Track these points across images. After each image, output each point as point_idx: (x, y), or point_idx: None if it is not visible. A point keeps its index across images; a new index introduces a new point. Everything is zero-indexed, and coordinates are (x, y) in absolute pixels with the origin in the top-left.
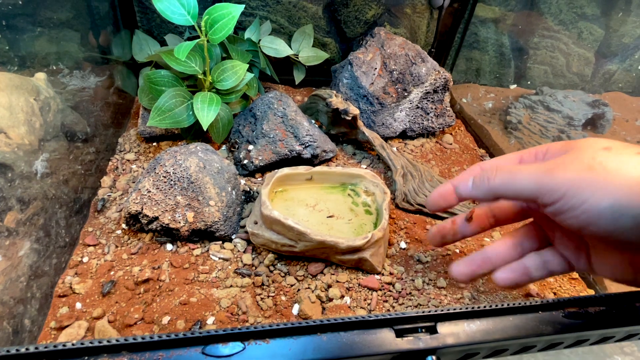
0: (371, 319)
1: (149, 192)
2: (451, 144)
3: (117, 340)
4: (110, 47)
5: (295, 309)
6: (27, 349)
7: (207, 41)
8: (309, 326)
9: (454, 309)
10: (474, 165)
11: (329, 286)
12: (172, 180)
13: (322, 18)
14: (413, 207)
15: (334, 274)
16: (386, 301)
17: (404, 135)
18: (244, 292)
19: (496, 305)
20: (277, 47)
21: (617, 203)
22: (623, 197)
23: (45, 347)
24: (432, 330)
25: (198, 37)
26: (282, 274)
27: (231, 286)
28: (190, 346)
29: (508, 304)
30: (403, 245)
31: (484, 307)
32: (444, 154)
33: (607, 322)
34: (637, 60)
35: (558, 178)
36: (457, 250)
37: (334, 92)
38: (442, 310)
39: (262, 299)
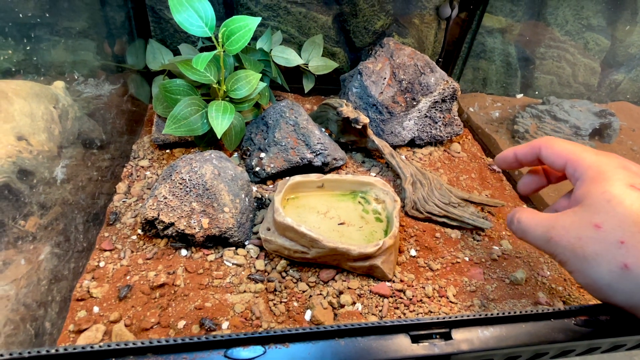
0: (387, 324)
1: (166, 198)
2: (459, 152)
3: (142, 343)
4: (125, 56)
5: (307, 315)
6: (56, 350)
7: (224, 52)
8: (327, 331)
9: (468, 316)
10: (537, 141)
11: (341, 292)
12: (187, 187)
13: (332, 28)
14: (422, 215)
15: (345, 281)
16: (397, 308)
17: (412, 144)
18: (257, 297)
19: (509, 313)
20: (287, 57)
21: (590, 291)
22: (593, 289)
23: (74, 349)
24: (447, 337)
25: (212, 47)
26: (295, 280)
27: (245, 291)
28: (213, 349)
29: (521, 312)
30: (413, 252)
31: (497, 314)
32: (452, 162)
33: (617, 330)
34: None
35: (553, 249)
36: (467, 259)
37: (344, 101)
38: (456, 317)
39: (274, 304)
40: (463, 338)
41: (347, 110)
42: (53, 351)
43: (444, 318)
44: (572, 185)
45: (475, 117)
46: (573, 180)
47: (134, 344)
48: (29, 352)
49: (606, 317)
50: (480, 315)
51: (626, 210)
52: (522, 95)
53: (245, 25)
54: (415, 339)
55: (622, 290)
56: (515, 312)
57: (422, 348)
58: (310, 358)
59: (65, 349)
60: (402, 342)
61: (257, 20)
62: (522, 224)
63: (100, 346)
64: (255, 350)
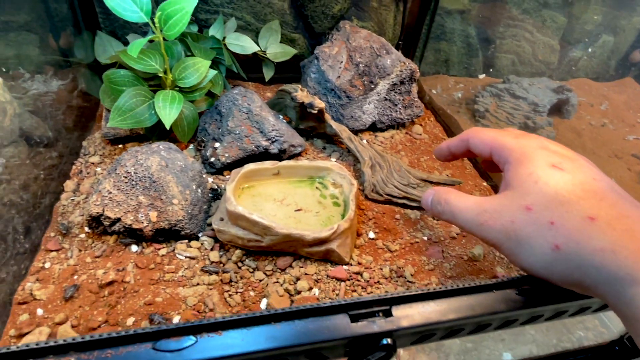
0: (325, 305)
1: (110, 193)
2: (420, 134)
3: (64, 341)
4: (73, 50)
5: (263, 304)
6: None
7: (163, 38)
8: (262, 316)
9: (409, 292)
10: (465, 132)
11: (298, 279)
12: (133, 180)
13: (289, 14)
14: (382, 197)
15: (302, 267)
16: (355, 291)
17: (374, 128)
18: (211, 289)
19: (451, 287)
20: (243, 44)
21: (527, 272)
22: (530, 270)
23: None
24: (388, 314)
25: None
26: (251, 270)
27: (198, 284)
28: (140, 342)
29: (462, 285)
30: (372, 235)
31: (439, 288)
32: (414, 144)
33: (559, 297)
34: (599, 46)
35: (485, 234)
36: (425, 238)
37: (299, 86)
38: (397, 294)
39: (230, 295)
40: (403, 314)
41: (302, 95)
42: None
43: (384, 296)
44: (502, 170)
45: (437, 99)
46: (501, 165)
47: (54, 342)
48: None
49: (548, 286)
50: (421, 291)
51: (552, 190)
52: (484, 75)
53: (181, 8)
54: (354, 318)
55: (556, 271)
56: (456, 286)
57: (361, 327)
58: (244, 344)
59: None
60: (341, 322)
61: (194, 2)
62: (452, 206)
63: (17, 347)
64: (186, 340)
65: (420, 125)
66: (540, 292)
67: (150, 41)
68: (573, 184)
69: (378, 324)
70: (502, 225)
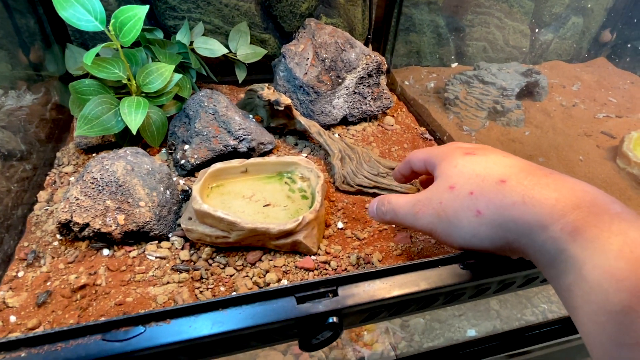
0: (272, 289)
1: (77, 199)
2: (392, 125)
3: (15, 338)
4: (44, 64)
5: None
6: None
7: (121, 45)
8: (209, 303)
9: (355, 272)
10: (407, 156)
11: (267, 272)
12: (99, 185)
13: (257, 15)
14: (353, 188)
15: (271, 260)
16: None
17: (345, 122)
18: (181, 287)
19: (397, 265)
20: (211, 47)
21: (463, 246)
22: (464, 243)
23: None
24: (335, 294)
25: (136, 44)
26: (221, 266)
27: (168, 282)
28: (90, 334)
29: (407, 263)
30: (340, 225)
31: (384, 268)
32: (385, 135)
33: (504, 268)
34: (570, 28)
35: (421, 222)
36: (394, 225)
37: (266, 85)
38: (343, 275)
39: (201, 291)
40: (349, 293)
41: (268, 93)
42: None
43: (331, 277)
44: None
45: (409, 90)
46: (432, 172)
47: (5, 339)
48: None
49: (492, 259)
50: (366, 270)
51: (469, 169)
52: (457, 64)
53: (134, 14)
54: (301, 300)
55: (484, 235)
56: (401, 264)
57: (306, 307)
58: (192, 330)
59: None
60: (287, 304)
61: (146, 8)
62: (393, 204)
63: None
64: (135, 330)
65: (392, 116)
66: (484, 265)
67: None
68: (485, 161)
69: (324, 304)
70: (433, 209)
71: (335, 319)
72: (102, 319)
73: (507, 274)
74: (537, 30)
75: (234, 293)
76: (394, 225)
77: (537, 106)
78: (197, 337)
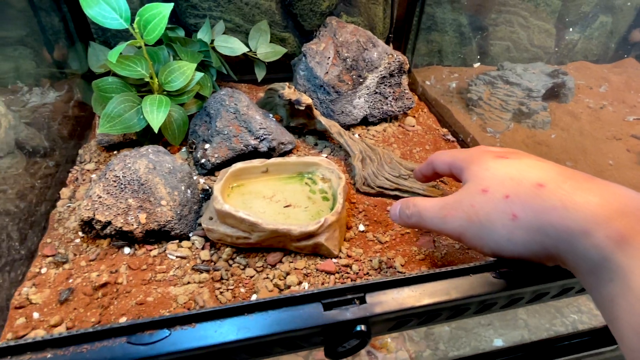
0: (298, 295)
1: (100, 197)
2: (414, 126)
3: (41, 338)
4: (67, 61)
5: (253, 299)
6: None
7: (145, 43)
8: (234, 307)
9: (383, 279)
10: (429, 157)
11: (287, 274)
12: (122, 183)
13: (277, 13)
14: (374, 190)
15: (292, 262)
16: (344, 283)
17: (365, 122)
18: (201, 287)
19: (426, 272)
20: (231, 46)
21: (495, 252)
22: (496, 248)
23: None
24: (362, 301)
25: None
26: (242, 267)
27: (189, 283)
28: (115, 337)
29: (438, 271)
30: (362, 227)
31: (414, 274)
32: (406, 136)
33: (538, 278)
34: (597, 28)
35: (450, 226)
36: (417, 230)
37: (287, 84)
38: (371, 282)
39: (221, 292)
40: (377, 301)
41: (289, 92)
42: None
43: (358, 283)
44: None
45: (431, 90)
46: (458, 176)
47: (32, 339)
48: None
49: (526, 268)
50: (396, 277)
51: (502, 172)
52: (479, 64)
53: (159, 12)
54: (328, 307)
55: (519, 240)
56: (432, 271)
57: (333, 314)
58: (217, 335)
59: None
60: (314, 311)
61: (170, 6)
62: (418, 207)
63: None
64: (160, 333)
65: (414, 117)
66: (518, 274)
67: (139, 48)
68: (519, 164)
69: (351, 312)
70: (463, 212)
71: (363, 327)
72: (125, 320)
73: (542, 284)
74: (563, 29)
75: (255, 296)
76: (417, 230)
77: (563, 108)
78: (223, 342)
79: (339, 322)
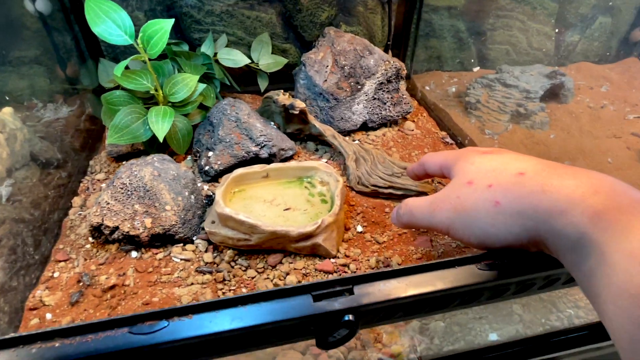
0: (289, 287)
1: (108, 203)
2: (413, 130)
3: (50, 329)
4: (79, 78)
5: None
6: None
7: (149, 58)
8: (229, 299)
9: (370, 272)
10: (421, 158)
11: (287, 274)
12: (128, 190)
13: (278, 25)
14: (368, 188)
15: (292, 263)
16: None
17: (365, 127)
18: (204, 288)
19: (412, 265)
20: (234, 58)
21: (481, 240)
22: (482, 235)
23: None
24: (350, 293)
25: (161, 56)
26: (243, 268)
27: (192, 284)
28: (117, 327)
29: (424, 264)
30: (360, 228)
31: (399, 268)
32: (405, 140)
33: (523, 269)
34: (597, 28)
35: (438, 219)
36: (413, 229)
37: (281, 91)
38: (359, 274)
39: (223, 293)
40: (365, 292)
41: (283, 98)
42: None
43: (346, 276)
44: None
45: (430, 95)
46: (448, 175)
47: (42, 330)
48: None
49: (511, 259)
50: (383, 270)
51: (487, 165)
52: (478, 68)
53: (160, 28)
54: (318, 298)
55: (502, 225)
56: (417, 265)
57: (323, 305)
58: (212, 325)
59: None
60: (304, 302)
61: (171, 21)
62: (409, 206)
63: (9, 336)
64: (159, 324)
65: (413, 121)
66: (503, 266)
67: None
68: (502, 157)
69: (340, 302)
70: (450, 205)
71: (351, 317)
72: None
73: (526, 275)
74: (562, 31)
75: (254, 290)
76: (414, 230)
77: (563, 108)
78: (218, 331)
79: (327, 312)
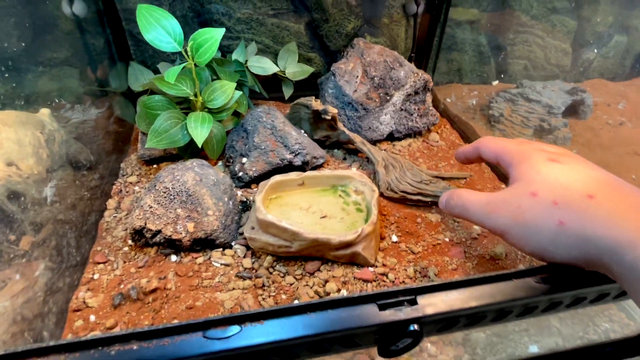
0: (355, 296)
1: (151, 207)
2: (437, 141)
3: (126, 331)
4: (108, 80)
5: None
6: (52, 344)
7: (195, 65)
8: (299, 306)
9: (432, 283)
10: (477, 141)
11: (326, 282)
12: (171, 194)
13: (305, 35)
14: (397, 194)
15: (330, 270)
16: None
17: (391, 137)
18: (246, 293)
19: (472, 277)
20: (264, 66)
21: (537, 253)
22: (539, 249)
23: (66, 341)
24: (413, 303)
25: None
26: (282, 275)
27: (233, 289)
28: (192, 332)
29: (483, 276)
30: (395, 238)
31: (461, 279)
32: (431, 151)
33: (577, 283)
34: (613, 47)
35: (493, 222)
36: (447, 240)
37: (313, 97)
38: (421, 285)
39: (263, 298)
40: (428, 303)
41: (316, 104)
42: (52, 344)
43: (410, 286)
44: (507, 173)
45: (452, 107)
46: (506, 168)
47: (120, 333)
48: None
49: (565, 274)
50: (444, 281)
51: (553, 177)
52: (497, 82)
53: (211, 37)
54: (382, 307)
55: (562, 246)
56: (477, 276)
57: (388, 314)
58: (283, 331)
59: (59, 342)
60: (370, 311)
61: (222, 31)
62: (463, 199)
63: (90, 337)
64: (232, 329)
65: (437, 132)
66: (558, 280)
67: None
68: (570, 171)
69: (404, 312)
70: (509, 212)
71: (416, 326)
72: (176, 321)
73: (580, 289)
74: (579, 49)
75: (296, 301)
76: (447, 240)
77: (582, 124)
78: (289, 338)
79: (393, 322)
